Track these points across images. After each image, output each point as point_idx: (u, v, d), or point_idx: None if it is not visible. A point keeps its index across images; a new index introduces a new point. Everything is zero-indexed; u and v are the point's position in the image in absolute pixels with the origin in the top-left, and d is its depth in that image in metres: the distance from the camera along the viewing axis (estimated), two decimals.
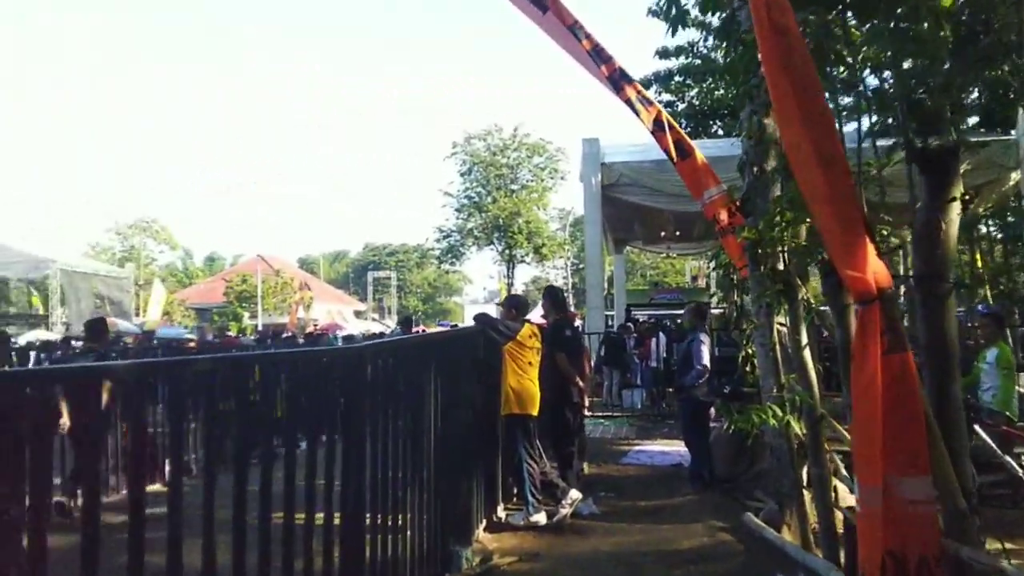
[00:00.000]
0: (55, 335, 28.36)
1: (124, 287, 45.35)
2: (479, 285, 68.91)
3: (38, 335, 27.13)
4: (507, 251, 38.28)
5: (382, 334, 19.69)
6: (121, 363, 3.97)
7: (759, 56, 5.35)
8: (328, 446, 3.25)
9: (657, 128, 6.53)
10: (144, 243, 61.49)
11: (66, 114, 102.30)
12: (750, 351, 7.23)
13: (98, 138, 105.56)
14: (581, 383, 7.30)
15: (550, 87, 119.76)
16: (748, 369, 7.45)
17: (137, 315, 42.24)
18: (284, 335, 24.70)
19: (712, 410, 7.82)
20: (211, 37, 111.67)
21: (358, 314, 55.92)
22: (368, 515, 3.54)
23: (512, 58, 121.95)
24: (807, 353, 4.68)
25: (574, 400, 7.19)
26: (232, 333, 29.25)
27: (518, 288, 44.71)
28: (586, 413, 7.96)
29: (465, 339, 6.07)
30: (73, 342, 18.80)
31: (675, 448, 9.60)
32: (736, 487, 7.25)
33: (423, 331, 26.06)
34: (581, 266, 51.75)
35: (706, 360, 7.45)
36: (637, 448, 9.98)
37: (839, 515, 4.25)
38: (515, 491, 6.90)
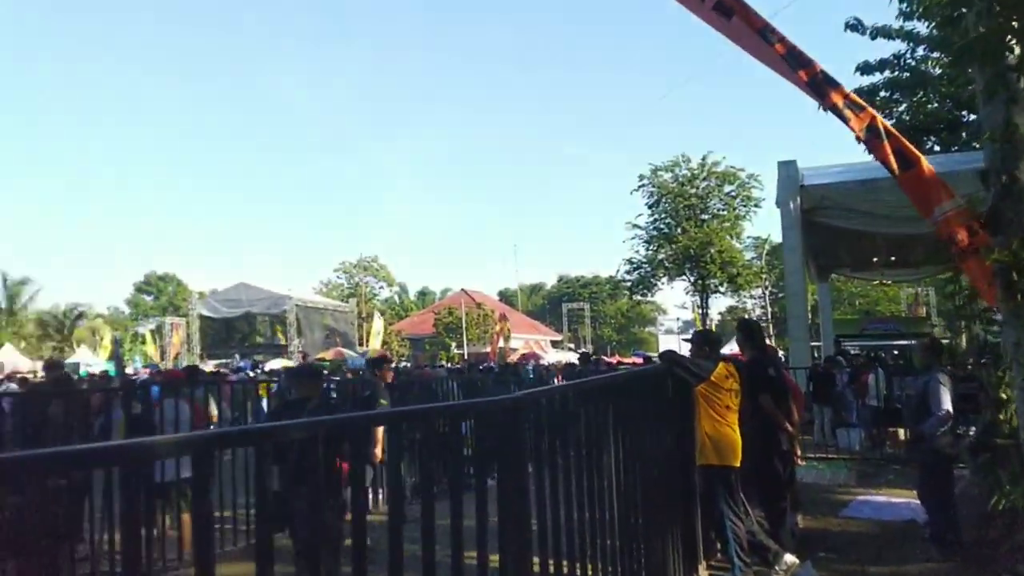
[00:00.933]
0: (292, 363, 30.61)
1: (349, 320, 48.63)
2: (673, 315, 66.71)
3: (282, 363, 29.43)
4: (700, 281, 36.40)
5: (573, 364, 19.10)
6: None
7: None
8: (478, 490, 2.55)
9: (872, 136, 5.40)
10: (366, 281, 65.78)
11: (298, 161, 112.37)
12: (1004, 396, 5.75)
13: (325, 181, 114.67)
14: (790, 428, 6.13)
15: (741, 112, 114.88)
16: (1002, 416, 5.95)
17: (360, 345, 44.93)
18: (483, 364, 25.02)
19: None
20: (406, 75, 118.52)
21: (555, 344, 55.98)
22: (536, 559, 2.82)
23: (701, 83, 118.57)
24: None
25: (783, 448, 6.03)
26: (443, 362, 30.21)
27: (713, 318, 42.61)
28: (799, 462, 6.71)
29: (649, 379, 5.17)
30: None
31: (904, 499, 8.03)
32: (991, 557, 5.70)
33: (617, 362, 25.35)
34: (780, 295, 48.57)
35: (948, 405, 5.95)
36: (860, 498, 8.41)
37: None
38: (718, 547, 5.88)
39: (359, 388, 9.62)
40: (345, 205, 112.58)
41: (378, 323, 44.22)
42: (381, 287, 69.19)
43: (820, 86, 5.19)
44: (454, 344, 46.16)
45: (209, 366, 26.89)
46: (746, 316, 41.60)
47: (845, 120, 5.26)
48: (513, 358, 33.75)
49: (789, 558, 5.48)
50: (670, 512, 5.01)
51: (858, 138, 5.42)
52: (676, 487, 5.22)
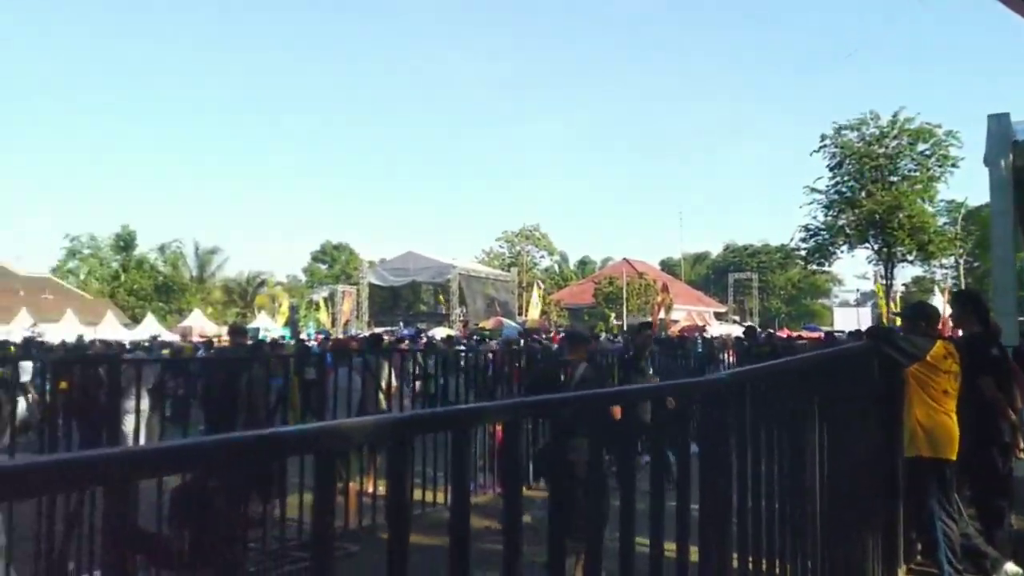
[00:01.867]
0: (454, 331, 31.66)
1: (510, 289, 49.60)
2: (850, 286, 62.61)
3: (444, 331, 30.55)
4: (885, 249, 33.65)
5: (742, 338, 18.26)
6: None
7: None
8: (680, 475, 2.37)
9: None
10: (527, 250, 66.72)
11: (464, 134, 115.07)
12: None
13: (491, 151, 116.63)
14: (1013, 416, 5.42)
15: (939, 65, 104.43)
16: None
17: (520, 314, 45.71)
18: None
19: None
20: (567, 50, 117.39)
21: (719, 316, 54.24)
22: (735, 555, 2.61)
23: (891, 34, 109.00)
24: None
25: (1005, 439, 5.35)
26: (602, 333, 30.03)
27: (897, 289, 39.47)
28: (1020, 455, 5.94)
29: (854, 359, 4.70)
30: (463, 341, 20.46)
31: None
32: None
33: (797, 337, 24.02)
34: (975, 264, 44.06)
35: None
36: None
37: None
38: (918, 548, 5.35)
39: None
40: (510, 174, 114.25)
41: (537, 294, 44.81)
42: (542, 256, 69.93)
43: None
44: (613, 315, 45.79)
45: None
46: (939, 287, 38.25)
47: None
48: (675, 330, 33.00)
49: (1011, 567, 4.89)
50: (872, 508, 4.58)
51: None
52: (879, 480, 4.76)
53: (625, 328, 39.56)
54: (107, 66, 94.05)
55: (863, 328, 13.25)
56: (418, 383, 9.15)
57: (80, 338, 24.76)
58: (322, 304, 48.47)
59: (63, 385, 6.13)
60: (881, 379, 4.82)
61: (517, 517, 1.73)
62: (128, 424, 7.21)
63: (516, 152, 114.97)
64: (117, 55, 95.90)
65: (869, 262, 36.90)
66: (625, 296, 46.07)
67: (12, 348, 17.62)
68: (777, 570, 2.99)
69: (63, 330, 28.52)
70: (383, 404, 7.64)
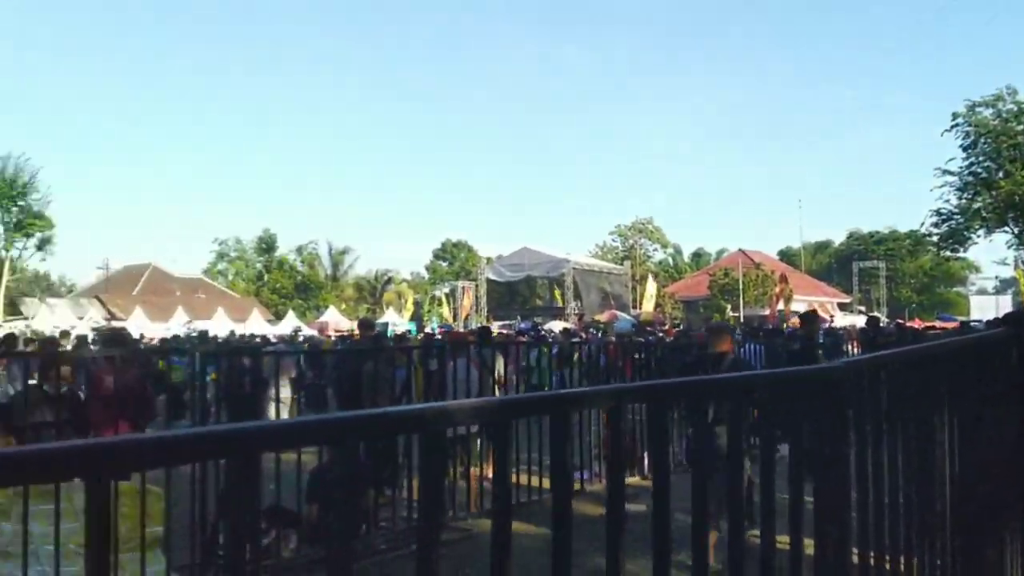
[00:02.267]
0: (570, 325, 31.76)
1: (623, 282, 49.24)
2: (989, 273, 58.17)
3: (560, 325, 30.77)
4: None
5: (866, 330, 17.31)
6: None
7: None
8: (792, 467, 2.28)
9: None
10: (641, 243, 65.98)
11: (574, 133, 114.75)
12: None
13: (601, 141, 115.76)
14: None
15: None
16: None
17: (634, 307, 45.27)
18: (766, 327, 23.76)
19: None
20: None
21: (842, 306, 51.71)
22: (855, 551, 2.49)
23: None
24: None
25: None
26: None
27: None
28: None
29: (991, 347, 4.36)
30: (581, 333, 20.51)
31: None
32: None
33: (918, 326, 22.55)
34: None
35: None
36: None
37: None
38: None
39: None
40: (622, 167, 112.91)
41: (652, 286, 44.20)
42: (655, 249, 68.93)
43: None
44: (729, 307, 44.51)
45: (494, 327, 28.76)
46: None
47: None
48: (795, 321, 31.72)
49: None
50: (1009, 505, 4.25)
51: None
52: (1018, 476, 4.41)
53: (743, 320, 38.38)
54: (239, 79, 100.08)
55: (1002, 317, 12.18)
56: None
57: (232, 333, 26.58)
58: (444, 299, 49.75)
59: (213, 376, 6.59)
60: (1021, 369, 4.46)
61: (620, 503, 1.72)
62: (271, 410, 7.72)
63: (629, 145, 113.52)
64: (252, 67, 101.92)
65: (1009, 247, 34.12)
66: (741, 287, 44.70)
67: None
68: (902, 567, 2.84)
69: (215, 326, 30.69)
70: (497, 394, 7.78)
